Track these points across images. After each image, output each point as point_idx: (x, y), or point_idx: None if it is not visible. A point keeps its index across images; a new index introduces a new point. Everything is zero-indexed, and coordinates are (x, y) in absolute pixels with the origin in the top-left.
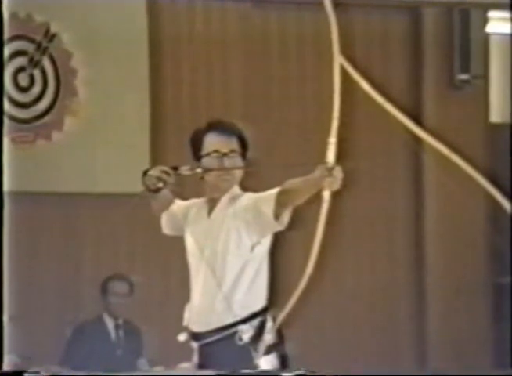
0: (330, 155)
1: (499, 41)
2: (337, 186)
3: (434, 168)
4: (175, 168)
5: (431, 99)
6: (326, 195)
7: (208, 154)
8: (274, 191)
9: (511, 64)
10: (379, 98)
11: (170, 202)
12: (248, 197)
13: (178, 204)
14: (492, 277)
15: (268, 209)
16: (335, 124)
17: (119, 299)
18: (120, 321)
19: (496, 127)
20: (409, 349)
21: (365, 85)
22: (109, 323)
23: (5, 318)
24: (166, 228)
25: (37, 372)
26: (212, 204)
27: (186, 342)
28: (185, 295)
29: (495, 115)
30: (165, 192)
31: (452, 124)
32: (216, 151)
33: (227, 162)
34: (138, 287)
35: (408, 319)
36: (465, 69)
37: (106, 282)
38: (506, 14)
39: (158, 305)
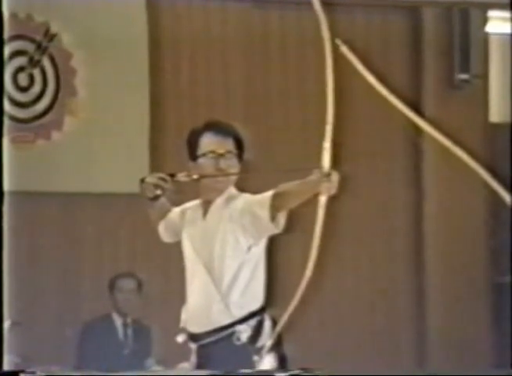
0: (326, 160)
1: (499, 41)
2: (333, 190)
3: (433, 169)
4: (172, 175)
5: (431, 99)
6: (323, 200)
7: (204, 155)
8: (269, 194)
9: (511, 64)
10: (382, 89)
11: (167, 211)
12: (244, 200)
13: (175, 211)
14: (492, 277)
15: (264, 213)
16: (329, 128)
17: (126, 296)
18: (129, 320)
19: (496, 127)
20: (409, 349)
21: (369, 77)
22: (118, 321)
23: (6, 324)
24: (165, 236)
25: (34, 372)
26: (207, 206)
27: (184, 343)
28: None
29: (495, 115)
30: (163, 200)
31: (452, 124)
32: (212, 152)
33: (223, 163)
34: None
35: (408, 320)
36: (465, 69)
37: (114, 279)
38: (506, 14)
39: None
